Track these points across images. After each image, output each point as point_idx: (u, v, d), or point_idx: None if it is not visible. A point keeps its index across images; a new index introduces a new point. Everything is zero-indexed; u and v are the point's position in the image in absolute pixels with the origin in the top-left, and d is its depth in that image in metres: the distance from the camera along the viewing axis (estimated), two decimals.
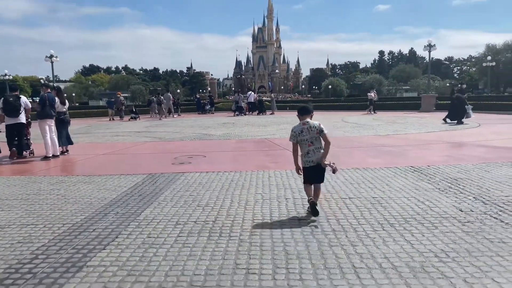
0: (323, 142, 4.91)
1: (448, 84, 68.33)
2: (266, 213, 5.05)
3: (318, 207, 4.87)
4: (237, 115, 31.34)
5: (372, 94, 30.12)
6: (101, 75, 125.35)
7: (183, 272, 3.40)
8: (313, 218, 4.78)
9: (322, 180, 4.95)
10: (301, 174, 5.06)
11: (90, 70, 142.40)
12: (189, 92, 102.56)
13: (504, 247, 3.78)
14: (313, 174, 4.88)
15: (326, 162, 4.77)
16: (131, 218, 4.98)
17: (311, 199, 4.86)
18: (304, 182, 5.01)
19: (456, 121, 18.26)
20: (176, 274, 3.35)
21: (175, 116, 31.44)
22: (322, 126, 4.88)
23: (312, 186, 4.96)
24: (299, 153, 4.98)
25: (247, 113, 32.49)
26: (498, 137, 13.03)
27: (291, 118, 23.98)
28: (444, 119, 18.96)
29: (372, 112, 29.51)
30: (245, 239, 4.16)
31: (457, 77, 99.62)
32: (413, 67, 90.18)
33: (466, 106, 18.35)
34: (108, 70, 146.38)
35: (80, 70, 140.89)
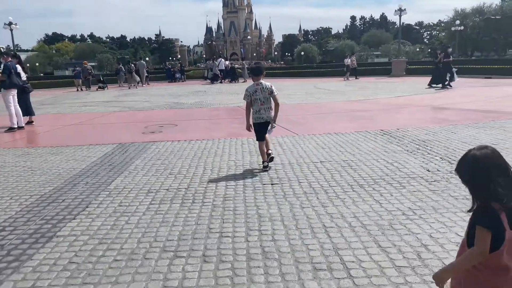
0: (273, 104, 5.41)
1: (418, 49, 69.19)
2: (240, 179, 5.07)
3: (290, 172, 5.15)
4: (213, 83, 30.83)
5: (348, 60, 29.79)
6: (66, 44, 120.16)
7: (155, 238, 3.39)
8: (285, 184, 4.83)
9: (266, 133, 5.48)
10: (251, 131, 5.49)
11: (54, 39, 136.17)
12: (158, 60, 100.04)
13: (467, 203, 3.93)
14: (263, 130, 5.40)
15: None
16: (101, 187, 4.90)
17: (270, 153, 5.43)
18: (258, 139, 5.47)
19: (441, 85, 18.22)
20: (149, 241, 3.35)
21: (144, 85, 30.66)
22: (273, 87, 5.36)
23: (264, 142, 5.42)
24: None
25: (222, 81, 31.94)
26: (465, 99, 13.39)
27: None
28: (429, 84, 18.85)
29: (349, 79, 28.85)
30: (218, 204, 4.17)
31: (427, 42, 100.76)
32: (384, 32, 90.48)
33: (452, 70, 18.33)
34: (72, 39, 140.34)
35: (43, 39, 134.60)
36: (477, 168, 1.63)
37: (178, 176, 5.31)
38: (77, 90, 27.72)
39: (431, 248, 3.03)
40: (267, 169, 5.36)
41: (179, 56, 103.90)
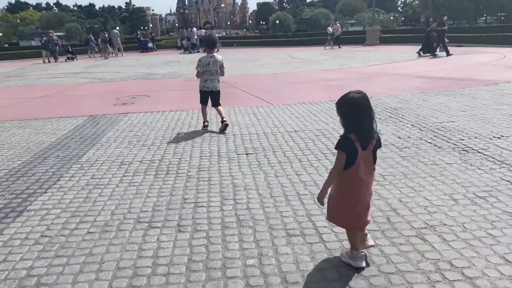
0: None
1: (392, 18, 69.26)
2: (214, 150, 5.06)
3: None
4: (189, 52, 30.07)
5: (330, 28, 29.11)
6: (31, 12, 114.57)
7: (129, 210, 3.38)
8: (259, 153, 4.85)
9: (219, 104, 6.08)
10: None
11: (17, 7, 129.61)
12: (129, 30, 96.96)
13: (436, 168, 4.06)
14: (210, 98, 6.04)
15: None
16: (72, 160, 4.81)
17: (224, 121, 5.84)
18: (201, 102, 6.10)
19: (430, 54, 17.84)
20: (123, 212, 3.33)
21: (119, 55, 29.69)
22: (223, 61, 5.96)
23: (215, 109, 6.11)
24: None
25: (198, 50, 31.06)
26: (436, 67, 13.60)
27: (237, 55, 23.54)
28: (418, 52, 18.38)
29: (331, 47, 28.29)
30: (192, 175, 4.17)
31: (400, 10, 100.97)
32: (359, 1, 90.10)
33: (445, 40, 17.74)
34: (38, 7, 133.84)
35: (6, 7, 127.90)
36: (353, 106, 2.19)
37: (152, 147, 5.25)
38: (44, 62, 26.53)
39: (400, 212, 3.13)
40: (207, 129, 5.99)
41: (151, 25, 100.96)
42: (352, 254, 2.41)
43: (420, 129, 5.61)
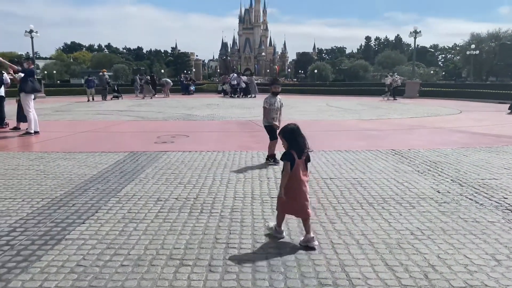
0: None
1: (432, 72, 68.95)
2: (248, 191, 5.08)
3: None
4: (230, 96, 30.99)
5: (388, 80, 28.47)
6: (83, 53, 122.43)
7: (162, 246, 3.41)
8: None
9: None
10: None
11: (72, 48, 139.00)
12: (173, 73, 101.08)
13: (477, 226, 3.89)
14: (273, 132, 6.57)
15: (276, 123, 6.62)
16: (111, 194, 4.95)
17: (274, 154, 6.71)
18: (270, 139, 6.70)
19: None
20: (156, 248, 3.37)
21: (165, 96, 30.94)
22: (283, 102, 6.88)
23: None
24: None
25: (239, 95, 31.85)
26: (477, 123, 13.28)
27: None
28: (510, 108, 16.82)
29: (390, 98, 27.27)
30: (226, 215, 4.19)
31: (441, 65, 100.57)
32: (398, 54, 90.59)
33: None
34: (90, 48, 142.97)
35: (62, 47, 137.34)
36: (292, 132, 3.49)
37: (188, 186, 5.34)
38: (88, 100, 26.98)
39: (438, 269, 3.00)
40: (271, 162, 6.66)
41: (193, 70, 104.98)
42: (306, 238, 3.43)
43: (460, 184, 5.44)
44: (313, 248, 3.33)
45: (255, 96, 30.98)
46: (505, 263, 3.11)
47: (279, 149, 5.46)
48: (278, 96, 6.76)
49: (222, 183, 5.49)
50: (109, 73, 62.64)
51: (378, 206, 4.49)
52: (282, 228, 3.67)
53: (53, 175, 5.92)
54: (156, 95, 30.71)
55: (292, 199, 3.43)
